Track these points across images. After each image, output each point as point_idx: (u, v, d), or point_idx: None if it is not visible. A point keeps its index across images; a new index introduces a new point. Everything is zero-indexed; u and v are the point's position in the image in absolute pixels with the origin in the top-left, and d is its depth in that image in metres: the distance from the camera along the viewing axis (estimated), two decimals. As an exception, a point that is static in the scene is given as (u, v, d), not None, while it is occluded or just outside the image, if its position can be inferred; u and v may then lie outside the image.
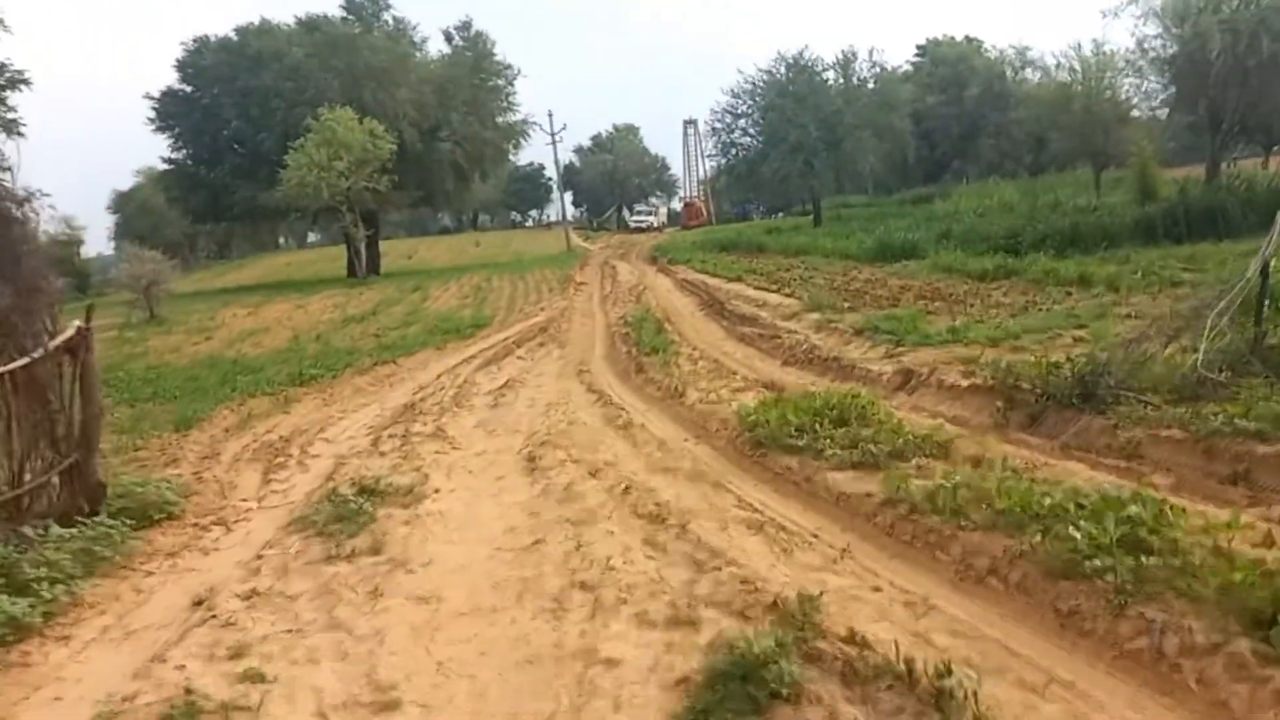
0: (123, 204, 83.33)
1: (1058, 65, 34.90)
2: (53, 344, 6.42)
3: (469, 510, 6.50)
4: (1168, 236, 20.45)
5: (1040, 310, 13.21)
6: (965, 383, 8.44)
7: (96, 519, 6.07)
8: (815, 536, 5.24)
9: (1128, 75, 30.35)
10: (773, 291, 20.23)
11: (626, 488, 6.47)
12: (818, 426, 6.99)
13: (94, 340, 6.67)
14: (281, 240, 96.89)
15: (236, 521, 6.68)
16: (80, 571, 5.20)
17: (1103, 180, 34.16)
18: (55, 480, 6.36)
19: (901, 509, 5.18)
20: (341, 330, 21.04)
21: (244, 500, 7.34)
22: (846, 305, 16.23)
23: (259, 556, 5.66)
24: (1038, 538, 4.25)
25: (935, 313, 14.07)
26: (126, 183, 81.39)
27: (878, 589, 4.36)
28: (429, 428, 9.46)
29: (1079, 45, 34.22)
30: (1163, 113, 31.55)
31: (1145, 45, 27.75)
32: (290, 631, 4.38)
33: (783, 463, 6.68)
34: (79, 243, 66.34)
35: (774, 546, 5.08)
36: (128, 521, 6.16)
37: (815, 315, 15.76)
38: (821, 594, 4.04)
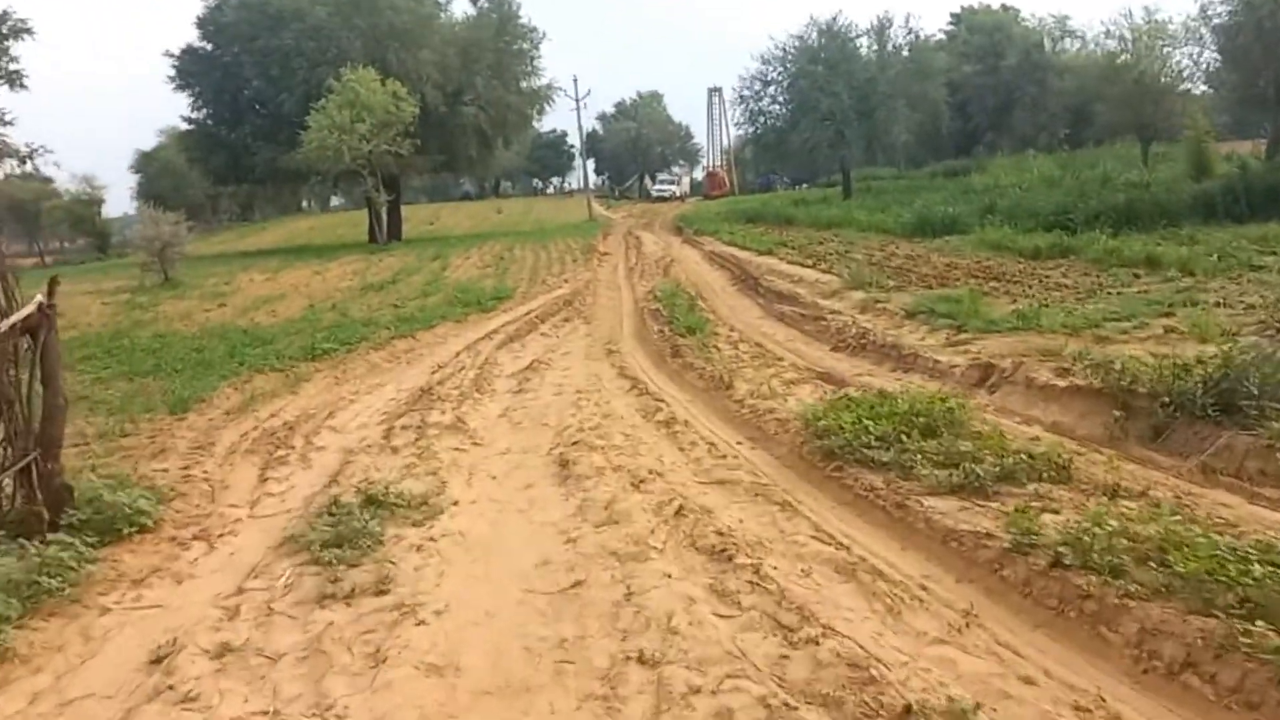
0: (145, 164, 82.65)
1: (1106, 33, 33.13)
2: (6, 322, 5.44)
3: (494, 531, 5.51)
4: (1228, 215, 19.11)
5: (1110, 294, 12.07)
6: (1062, 383, 7.34)
7: (54, 534, 5.13)
8: (924, 590, 4.20)
9: (1183, 44, 28.69)
10: (808, 267, 19.11)
11: (679, 508, 5.45)
12: (904, 437, 5.93)
13: (55, 319, 5.67)
14: (305, 204, 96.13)
15: (221, 535, 5.70)
16: (17, 609, 4.23)
17: (1149, 155, 32.59)
18: (8, 483, 5.42)
19: (1038, 560, 4.10)
20: (359, 299, 20.08)
21: (234, 506, 6.36)
22: (892, 283, 15.13)
23: (240, 590, 4.69)
24: (1255, 624, 3.17)
25: (992, 294, 12.97)
26: (150, 142, 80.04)
27: (1029, 680, 3.32)
28: (447, 417, 8.46)
29: (1129, 13, 32.50)
30: (1206, 86, 30.07)
31: (1209, 11, 26.17)
32: (265, 716, 3.40)
33: (865, 481, 5.64)
34: (99, 202, 66.00)
35: (875, 602, 4.06)
36: (89, 538, 5.19)
37: (859, 294, 14.67)
38: (978, 708, 2.99)
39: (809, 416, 6.78)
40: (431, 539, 5.25)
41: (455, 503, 5.98)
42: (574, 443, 7.30)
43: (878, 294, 13.98)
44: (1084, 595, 3.77)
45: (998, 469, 5.25)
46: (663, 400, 8.74)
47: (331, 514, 5.58)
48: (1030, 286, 13.43)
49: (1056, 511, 4.57)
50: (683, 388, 9.45)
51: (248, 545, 5.51)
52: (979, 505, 4.90)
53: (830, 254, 20.95)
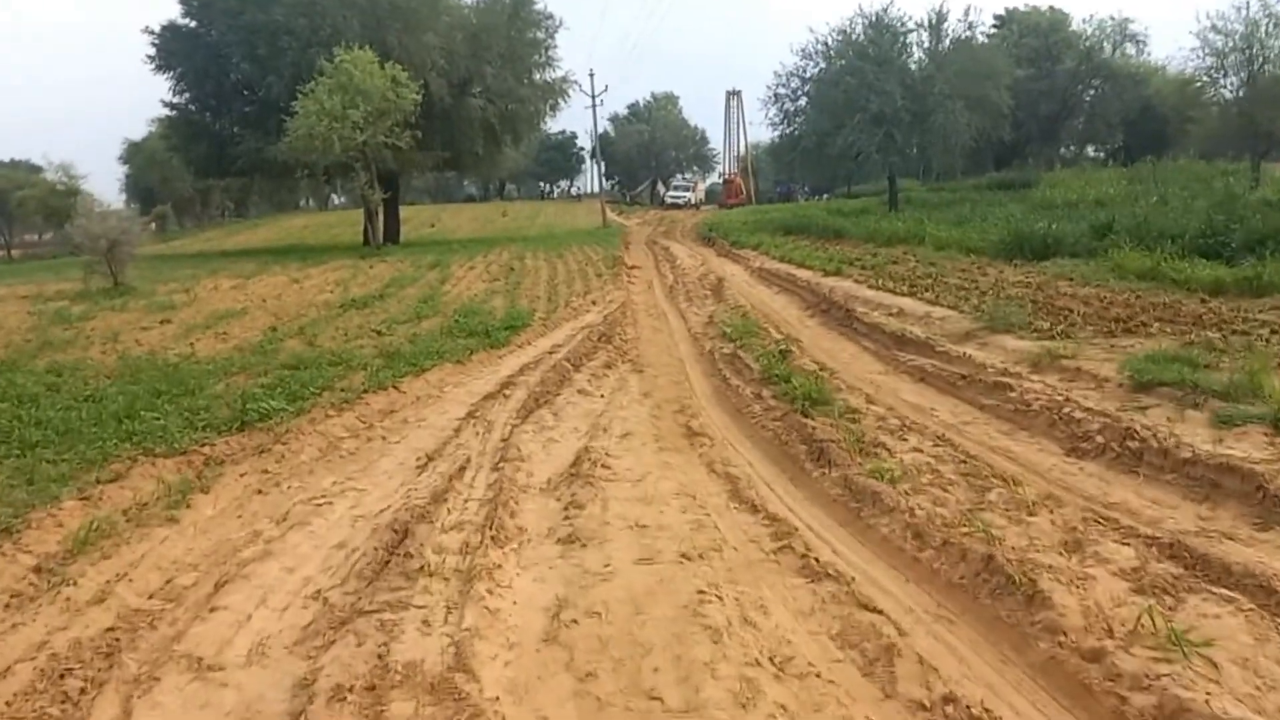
0: (133, 155, 78.64)
1: (1212, 28, 28.61)
2: None
3: None
4: None
5: None
6: None
7: None
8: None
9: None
10: (904, 295, 15.10)
11: None
12: None
13: None
14: (303, 201, 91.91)
15: None
16: None
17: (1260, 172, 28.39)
18: None
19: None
20: (336, 320, 16.00)
21: None
22: (1053, 326, 11.12)
23: None
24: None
25: (1229, 351, 8.97)
26: (141, 131, 75.77)
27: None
28: (435, 642, 4.23)
29: (1244, 5, 28.12)
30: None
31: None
32: None
33: None
34: (75, 193, 61.73)
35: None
36: None
37: (1010, 340, 10.77)
38: None
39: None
40: None
41: None
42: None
43: (1051, 344, 9.95)
44: None
45: None
46: (879, 612, 4.49)
47: None
48: (1273, 340, 9.42)
49: None
50: (892, 562, 5.14)
51: None
52: None
53: (920, 278, 16.91)
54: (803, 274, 19.35)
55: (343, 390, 10.07)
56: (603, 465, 6.73)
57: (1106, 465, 6.33)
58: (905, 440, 7.00)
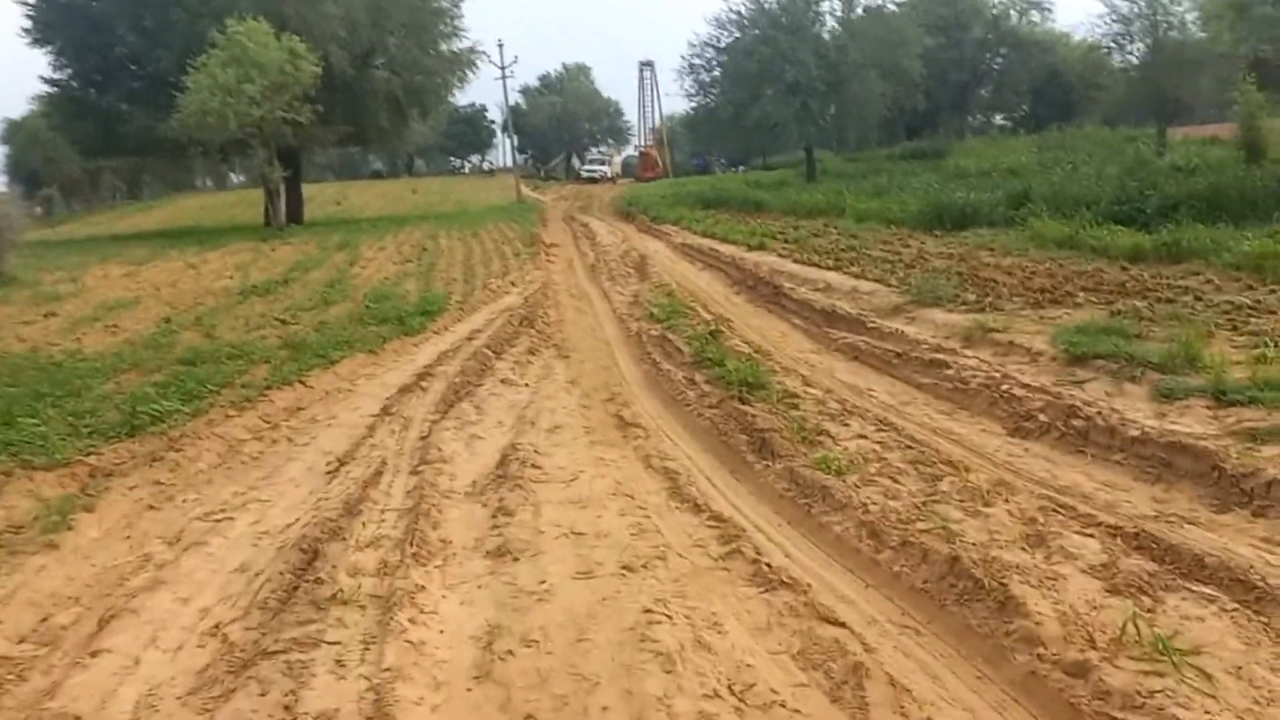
0: (14, 134, 74.11)
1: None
2: None
3: None
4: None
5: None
6: None
7: None
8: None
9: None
10: (828, 269, 14.92)
11: None
12: None
13: None
14: (200, 181, 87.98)
15: None
16: None
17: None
18: None
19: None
20: (237, 308, 15.04)
21: None
22: (979, 299, 11.04)
23: None
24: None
25: (1152, 319, 8.95)
26: (22, 109, 71.28)
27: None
28: (350, 690, 3.64)
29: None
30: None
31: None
32: None
33: None
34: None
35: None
36: None
37: (939, 314, 10.66)
38: None
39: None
40: None
41: None
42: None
43: (980, 317, 9.82)
44: None
45: None
46: (842, 625, 4.07)
47: None
48: (1198, 308, 9.42)
49: None
50: (849, 565, 4.74)
51: None
52: None
53: (843, 251, 16.76)
54: (726, 249, 19.03)
55: (244, 387, 9.32)
56: (532, 465, 6.22)
57: (1052, 445, 6.11)
58: (847, 425, 6.67)
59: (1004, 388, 7.16)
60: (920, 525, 4.83)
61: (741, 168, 68.07)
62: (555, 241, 24.41)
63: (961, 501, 5.11)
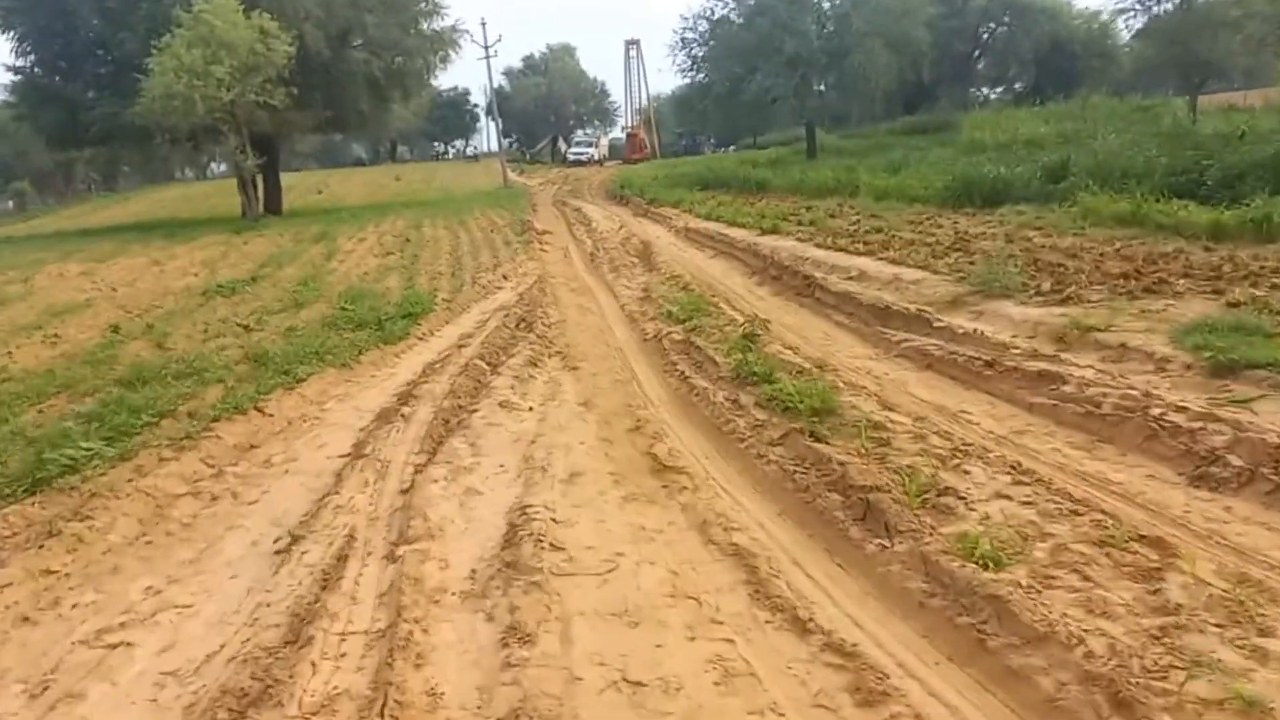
0: (-19, 125, 71.69)
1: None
2: None
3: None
4: None
5: None
6: None
7: None
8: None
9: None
10: (859, 254, 13.26)
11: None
12: None
13: None
14: (180, 172, 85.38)
15: None
16: None
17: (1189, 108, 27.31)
18: None
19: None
20: (196, 312, 13.31)
21: None
22: (1055, 288, 9.43)
23: None
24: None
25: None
26: (-12, 101, 68.90)
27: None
28: None
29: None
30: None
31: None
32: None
33: None
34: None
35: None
36: None
37: (1014, 307, 9.05)
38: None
39: None
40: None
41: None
42: None
43: (1069, 312, 8.23)
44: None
45: None
46: None
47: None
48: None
49: None
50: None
51: None
52: None
53: (869, 233, 15.11)
54: (736, 234, 17.35)
55: (189, 416, 7.64)
56: (551, 543, 4.55)
57: (1265, 505, 4.49)
58: (968, 474, 5.01)
59: (1154, 412, 5.53)
60: (1191, 685, 3.14)
61: (732, 147, 66.29)
62: (548, 229, 22.65)
63: (1217, 625, 3.43)
